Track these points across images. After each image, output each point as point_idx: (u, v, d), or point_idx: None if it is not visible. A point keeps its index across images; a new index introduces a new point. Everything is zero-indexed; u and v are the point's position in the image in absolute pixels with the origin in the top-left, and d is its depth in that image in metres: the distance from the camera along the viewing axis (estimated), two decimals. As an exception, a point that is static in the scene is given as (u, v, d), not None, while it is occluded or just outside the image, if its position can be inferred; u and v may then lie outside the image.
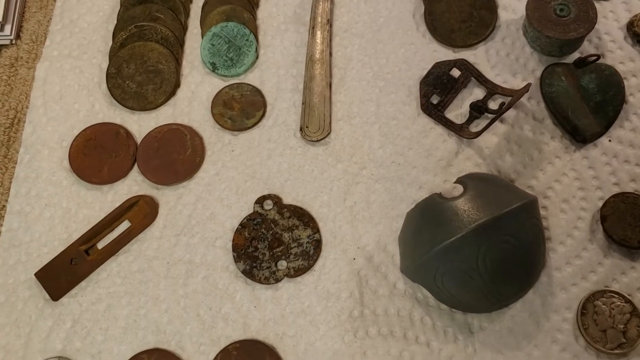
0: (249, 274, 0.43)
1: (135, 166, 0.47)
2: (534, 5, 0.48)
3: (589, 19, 0.47)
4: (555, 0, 0.48)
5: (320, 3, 0.51)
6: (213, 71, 0.50)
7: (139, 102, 0.49)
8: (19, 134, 0.49)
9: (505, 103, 0.46)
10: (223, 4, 0.51)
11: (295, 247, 0.44)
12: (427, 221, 0.41)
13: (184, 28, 0.51)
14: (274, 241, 0.44)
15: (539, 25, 0.47)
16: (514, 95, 0.45)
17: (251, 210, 0.45)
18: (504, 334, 0.41)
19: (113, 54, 0.50)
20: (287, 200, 0.46)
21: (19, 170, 0.47)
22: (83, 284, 0.44)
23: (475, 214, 0.39)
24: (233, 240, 0.44)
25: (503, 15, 0.51)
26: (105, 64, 0.50)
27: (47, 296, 0.44)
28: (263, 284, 0.43)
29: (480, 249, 0.39)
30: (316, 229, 0.44)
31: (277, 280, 0.43)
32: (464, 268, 0.39)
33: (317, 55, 0.49)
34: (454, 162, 0.46)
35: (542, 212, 0.44)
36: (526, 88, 0.44)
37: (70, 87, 0.50)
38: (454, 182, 0.43)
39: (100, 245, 0.45)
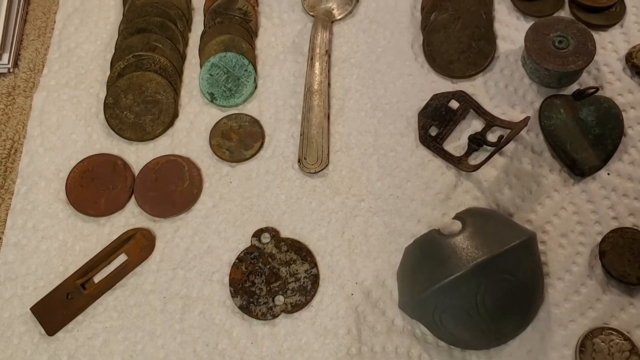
0: (246, 309, 0.43)
1: (133, 198, 0.47)
2: (532, 37, 0.48)
3: (587, 51, 0.47)
4: (554, 32, 0.48)
5: (319, 33, 0.51)
6: (211, 101, 0.50)
7: (136, 132, 0.49)
8: (15, 164, 0.49)
9: (503, 136, 0.46)
10: (222, 34, 0.50)
11: (292, 282, 0.44)
12: (425, 258, 0.41)
13: (183, 57, 0.51)
14: (271, 276, 0.44)
15: (537, 58, 0.47)
16: (513, 128, 0.45)
17: (248, 244, 0.45)
18: (502, 371, 0.41)
19: (111, 84, 0.50)
20: (285, 233, 0.46)
21: (15, 202, 0.47)
22: (79, 318, 0.44)
23: (474, 252, 0.39)
24: (230, 275, 0.44)
25: (502, 45, 0.51)
26: (102, 94, 0.50)
27: (43, 331, 0.43)
28: (260, 319, 0.43)
29: (479, 287, 0.39)
30: (314, 264, 0.44)
31: (274, 316, 0.43)
32: (463, 306, 0.39)
33: (316, 87, 0.49)
34: (452, 195, 0.46)
35: (540, 246, 0.44)
36: (525, 122, 0.44)
37: (68, 117, 0.50)
38: (453, 218, 0.43)
39: (97, 278, 0.45)
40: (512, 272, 0.39)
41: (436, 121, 0.48)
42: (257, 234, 0.45)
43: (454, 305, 0.39)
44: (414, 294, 0.41)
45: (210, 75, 0.50)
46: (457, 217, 0.42)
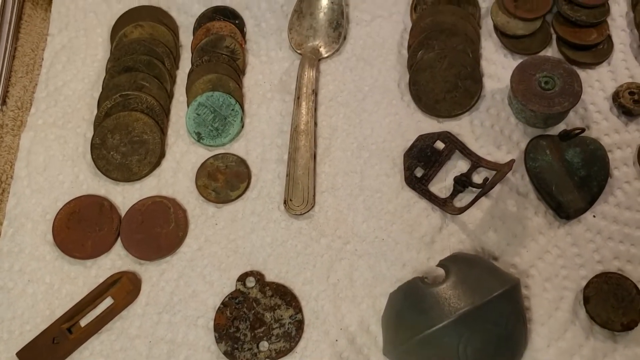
0: (230, 355, 0.43)
1: (119, 240, 0.47)
2: (518, 78, 0.48)
3: (574, 92, 0.47)
4: (540, 72, 0.48)
5: (306, 72, 0.51)
6: (198, 141, 0.50)
7: (123, 173, 0.49)
8: (3, 204, 0.49)
9: (488, 178, 0.46)
10: (209, 73, 0.51)
11: (277, 327, 0.44)
12: (409, 306, 0.41)
13: (170, 96, 0.51)
14: (256, 321, 0.44)
15: (523, 99, 0.47)
16: (498, 170, 0.45)
17: (233, 288, 0.45)
18: (485, 420, 0.41)
19: (98, 124, 0.50)
20: (270, 276, 0.46)
21: (2, 244, 0.47)
22: (65, 362, 0.44)
23: (456, 303, 0.39)
24: (215, 320, 0.44)
25: (488, 84, 0.51)
26: (89, 133, 0.50)
27: (29, 376, 0.44)
28: (245, 365, 0.43)
29: (461, 338, 0.39)
30: (298, 309, 0.44)
31: (259, 362, 0.43)
32: (445, 357, 0.39)
33: (302, 127, 0.49)
34: (437, 238, 0.46)
35: (524, 291, 0.44)
36: (510, 166, 0.44)
37: (55, 158, 0.50)
38: (437, 265, 0.43)
39: (83, 322, 0.45)
40: (495, 321, 0.39)
41: (422, 162, 0.48)
42: (242, 278, 0.45)
43: (437, 355, 0.39)
44: (397, 342, 0.41)
45: (197, 114, 0.50)
46: (441, 264, 0.42)
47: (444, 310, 0.39)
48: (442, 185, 0.47)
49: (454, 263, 0.42)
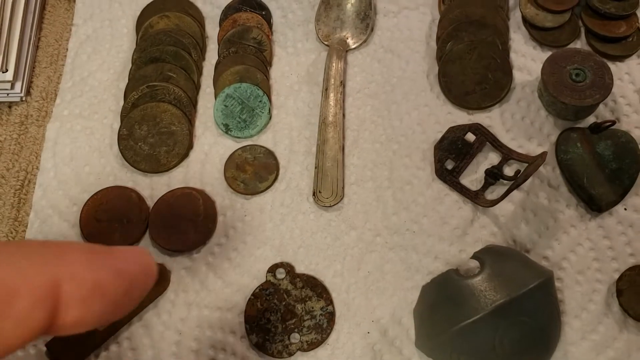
0: (261, 347, 0.43)
1: (147, 232, 0.47)
2: (549, 70, 0.47)
3: (604, 85, 0.47)
4: (571, 65, 0.47)
5: (334, 63, 0.50)
6: (226, 132, 0.49)
7: (151, 164, 0.48)
8: (29, 195, 0.49)
9: (520, 170, 0.46)
10: (236, 64, 0.50)
11: (308, 319, 0.44)
12: (443, 299, 0.41)
13: (197, 87, 0.51)
14: (287, 313, 0.44)
15: (554, 91, 0.47)
16: (530, 163, 0.45)
17: (263, 279, 0.45)
18: (520, 413, 0.41)
19: (125, 115, 0.49)
20: (300, 268, 0.45)
21: (29, 235, 0.47)
22: (93, 355, 0.44)
23: (492, 295, 0.39)
24: (245, 312, 0.44)
25: (518, 76, 0.50)
26: (116, 125, 0.50)
27: (58, 368, 0.43)
28: (276, 357, 0.43)
29: (497, 330, 0.39)
30: (329, 301, 0.44)
31: (290, 354, 0.43)
32: (482, 349, 0.39)
33: (330, 119, 0.49)
34: (469, 231, 0.46)
35: (557, 284, 0.44)
36: (543, 158, 0.43)
37: (81, 149, 0.50)
38: (471, 258, 0.42)
39: (112, 314, 0.44)
40: (531, 313, 0.39)
41: (452, 154, 0.48)
42: (272, 270, 0.45)
43: (472, 347, 0.39)
44: (431, 335, 0.40)
45: (225, 106, 0.49)
46: (475, 256, 0.42)
47: (480, 303, 0.39)
48: (473, 177, 0.47)
49: (488, 255, 0.42)
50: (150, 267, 0.24)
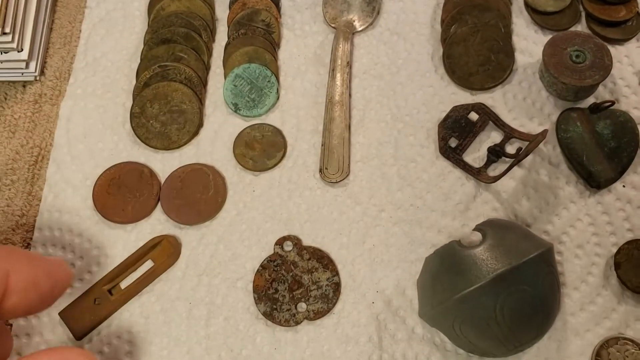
0: (269, 315, 0.44)
1: (159, 205, 0.48)
2: (550, 51, 0.49)
3: (604, 66, 0.48)
4: (572, 47, 0.49)
5: (341, 45, 0.52)
6: (235, 112, 0.51)
7: (162, 141, 0.50)
8: (42, 171, 0.50)
9: (522, 148, 0.47)
10: (245, 45, 0.52)
11: (314, 289, 0.45)
12: (446, 268, 0.42)
13: (207, 68, 0.52)
14: (294, 283, 0.45)
15: (555, 72, 0.48)
16: (531, 140, 0.46)
17: (271, 252, 0.46)
18: (520, 380, 0.42)
19: (137, 94, 0.51)
20: (307, 241, 0.47)
21: (42, 208, 0.48)
22: (106, 323, 0.45)
23: (493, 264, 0.40)
24: (254, 282, 0.45)
25: (520, 58, 0.52)
26: (128, 103, 0.51)
27: (71, 335, 0.45)
28: (283, 326, 0.44)
29: (498, 298, 0.40)
30: (335, 272, 0.45)
31: (297, 323, 0.44)
32: (482, 316, 0.40)
33: (337, 98, 0.50)
34: (472, 206, 0.47)
35: (557, 257, 0.45)
36: (543, 135, 0.45)
37: (94, 126, 0.51)
38: (473, 230, 0.44)
39: (124, 284, 0.46)
40: (531, 283, 0.40)
41: (456, 132, 0.49)
42: (280, 242, 0.46)
43: (474, 315, 0.40)
44: (434, 303, 0.42)
45: (234, 86, 0.51)
46: (478, 228, 0.43)
47: (481, 271, 0.40)
48: (476, 155, 0.48)
49: (490, 227, 0.43)
50: (68, 275, 0.29)
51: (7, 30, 0.50)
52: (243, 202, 0.48)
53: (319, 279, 0.45)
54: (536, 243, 0.42)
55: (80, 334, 0.45)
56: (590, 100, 0.50)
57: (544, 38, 0.52)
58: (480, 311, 0.40)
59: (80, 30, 0.55)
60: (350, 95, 0.51)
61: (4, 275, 0.26)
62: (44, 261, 0.28)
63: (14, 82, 0.53)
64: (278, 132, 0.50)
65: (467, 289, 0.40)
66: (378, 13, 0.54)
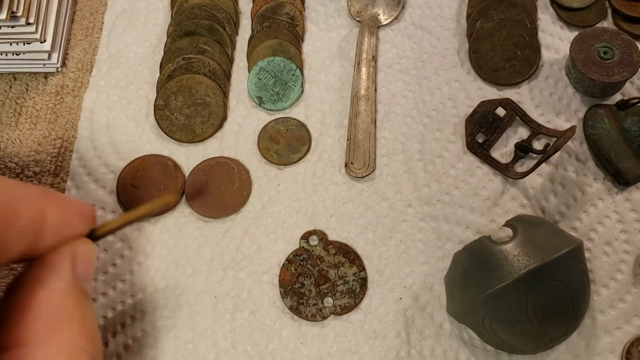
0: (295, 310, 0.44)
1: (183, 198, 0.48)
2: (578, 48, 0.48)
3: (632, 62, 0.48)
4: (599, 43, 0.48)
5: (366, 39, 0.51)
6: (259, 105, 0.50)
7: (186, 134, 0.49)
8: (65, 163, 0.49)
9: (549, 144, 0.46)
10: (269, 38, 0.51)
11: (341, 284, 0.44)
12: (476, 265, 0.41)
13: (231, 61, 0.52)
14: (320, 278, 0.45)
15: (583, 68, 0.48)
16: (559, 137, 0.46)
17: (297, 246, 0.46)
18: (549, 377, 0.42)
19: (161, 86, 0.50)
20: (332, 236, 0.46)
21: (67, 201, 0.48)
22: (129, 317, 0.44)
23: (525, 260, 0.40)
24: (279, 276, 0.45)
25: (545, 54, 0.51)
26: (152, 96, 0.51)
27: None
28: (310, 320, 0.44)
29: (530, 294, 0.39)
30: (362, 267, 0.45)
31: (324, 318, 0.44)
32: (513, 313, 0.40)
33: (363, 92, 0.50)
34: (499, 202, 0.47)
35: (585, 254, 0.45)
36: (572, 131, 0.44)
37: (118, 118, 0.51)
38: (503, 226, 0.43)
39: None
40: (562, 280, 0.40)
41: (483, 128, 0.49)
42: (305, 236, 0.46)
43: (504, 311, 0.40)
44: (464, 299, 0.41)
45: (259, 79, 0.50)
46: (508, 224, 0.43)
47: (513, 267, 0.40)
48: (503, 151, 0.48)
49: (520, 223, 0.42)
50: (93, 218, 0.31)
51: (32, 20, 0.49)
52: (268, 195, 0.48)
53: (345, 273, 0.45)
54: (567, 239, 0.41)
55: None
56: (617, 97, 0.50)
57: (569, 34, 0.52)
58: (511, 307, 0.40)
59: (102, 22, 0.55)
60: (375, 89, 0.50)
61: (41, 213, 0.27)
62: (76, 203, 0.30)
63: (35, 73, 0.53)
64: (302, 126, 0.49)
65: (498, 285, 0.39)
66: (403, 7, 0.53)
